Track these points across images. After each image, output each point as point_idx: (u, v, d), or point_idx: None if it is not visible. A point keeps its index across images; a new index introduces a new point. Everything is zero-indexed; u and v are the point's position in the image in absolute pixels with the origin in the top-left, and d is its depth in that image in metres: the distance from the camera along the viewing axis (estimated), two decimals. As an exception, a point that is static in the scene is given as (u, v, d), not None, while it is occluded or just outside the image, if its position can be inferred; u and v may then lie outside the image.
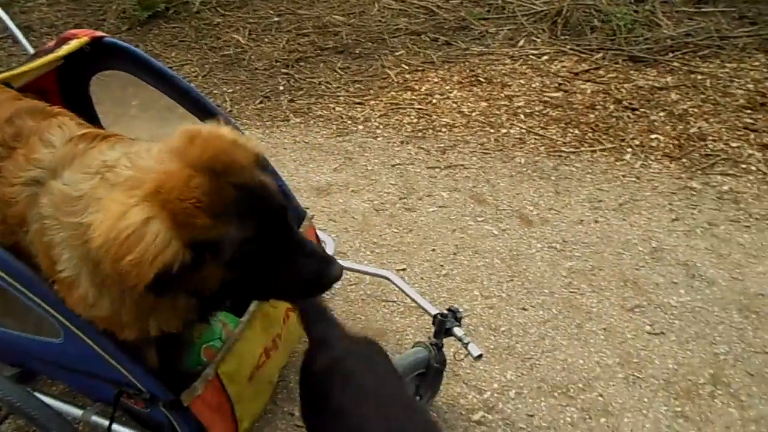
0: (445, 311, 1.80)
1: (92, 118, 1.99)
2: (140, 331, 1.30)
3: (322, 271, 1.24)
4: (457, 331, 1.78)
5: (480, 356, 1.71)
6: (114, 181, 1.10)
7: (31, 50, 2.02)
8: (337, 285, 2.37)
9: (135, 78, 1.89)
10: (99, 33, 1.83)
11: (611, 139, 3.55)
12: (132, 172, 1.09)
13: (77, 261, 1.16)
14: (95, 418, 1.59)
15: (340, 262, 2.10)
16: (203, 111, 1.82)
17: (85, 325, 1.34)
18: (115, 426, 1.53)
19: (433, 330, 1.82)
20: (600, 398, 1.99)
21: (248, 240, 1.09)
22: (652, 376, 2.05)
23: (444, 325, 1.78)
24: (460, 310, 1.82)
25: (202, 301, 1.22)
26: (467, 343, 1.74)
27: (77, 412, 1.60)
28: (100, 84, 2.04)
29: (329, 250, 2.13)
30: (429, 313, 1.87)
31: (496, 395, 2.02)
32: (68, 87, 1.94)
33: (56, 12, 6.26)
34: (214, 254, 1.08)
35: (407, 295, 1.98)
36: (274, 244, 1.14)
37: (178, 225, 1.02)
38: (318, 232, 2.07)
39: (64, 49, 1.71)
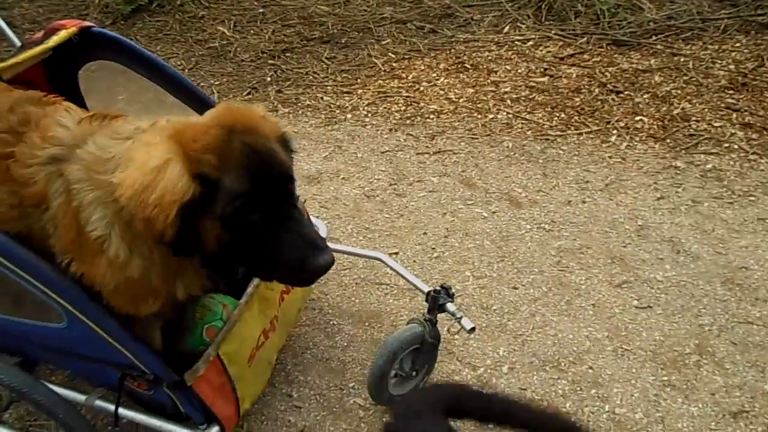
0: (438, 288, 1.84)
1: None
2: (166, 297, 1.34)
3: (308, 257, 1.22)
4: (449, 306, 1.82)
5: (473, 329, 1.75)
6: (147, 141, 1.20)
7: (18, 43, 2.02)
8: (331, 270, 2.41)
9: (123, 69, 1.90)
10: (87, 23, 1.84)
11: (597, 121, 3.60)
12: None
13: (109, 219, 1.22)
14: (99, 403, 1.62)
15: (333, 246, 2.16)
16: (195, 100, 1.84)
17: (88, 309, 1.36)
18: (120, 410, 1.57)
19: (426, 307, 1.86)
20: (590, 370, 2.04)
21: (242, 194, 1.14)
22: (639, 348, 2.11)
23: (437, 301, 1.82)
24: (452, 288, 1.86)
25: (207, 262, 1.27)
26: (460, 318, 1.78)
27: (80, 397, 1.63)
28: (87, 77, 2.04)
29: (322, 234, 2.15)
30: (422, 291, 1.91)
31: (489, 371, 2.07)
32: (57, 78, 1.94)
33: (38, 8, 6.19)
34: (213, 197, 1.14)
35: (400, 275, 2.02)
36: (268, 211, 1.18)
37: (189, 160, 1.13)
38: (311, 218, 2.10)
39: (53, 40, 1.72)
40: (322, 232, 2.17)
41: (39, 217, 1.33)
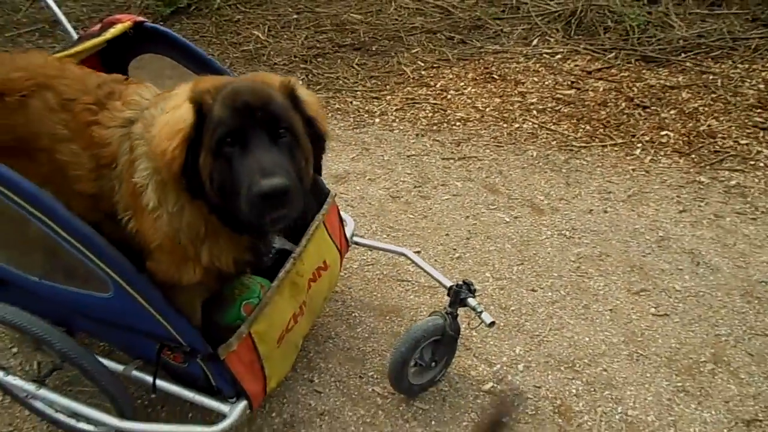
0: (460, 283, 1.91)
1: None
2: (194, 261, 1.44)
3: (255, 183, 1.20)
4: (470, 301, 1.89)
5: (492, 323, 1.81)
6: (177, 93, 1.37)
7: (75, 36, 2.15)
8: (354, 265, 2.49)
9: (172, 62, 2.02)
10: (141, 18, 1.96)
11: (622, 135, 3.63)
12: None
13: (150, 171, 1.36)
14: (135, 373, 1.72)
15: (359, 240, 2.24)
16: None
17: (134, 279, 1.46)
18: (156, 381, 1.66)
19: (448, 301, 1.92)
20: (604, 372, 2.09)
21: (223, 122, 1.25)
22: (655, 353, 2.15)
23: (459, 295, 1.89)
24: (474, 283, 1.93)
25: (212, 206, 1.36)
26: (480, 312, 1.84)
27: (119, 367, 1.72)
28: (135, 69, 2.16)
29: (349, 229, 2.24)
30: (444, 286, 1.98)
31: (505, 368, 2.12)
32: (110, 69, 2.06)
33: (82, 7, 6.43)
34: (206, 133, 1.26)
35: (423, 270, 2.09)
36: (243, 142, 1.26)
37: (194, 98, 1.28)
38: (340, 213, 2.18)
39: (111, 32, 1.85)
40: (349, 229, 2.25)
41: (110, 176, 1.45)
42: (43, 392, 1.74)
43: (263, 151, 1.25)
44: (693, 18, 4.85)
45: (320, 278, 2.01)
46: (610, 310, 2.33)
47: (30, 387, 1.75)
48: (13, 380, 1.76)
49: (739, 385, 2.02)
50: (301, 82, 1.45)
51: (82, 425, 1.96)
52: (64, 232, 1.43)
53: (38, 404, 2.00)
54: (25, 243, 1.57)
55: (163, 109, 1.38)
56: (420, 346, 1.88)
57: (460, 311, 1.92)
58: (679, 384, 2.03)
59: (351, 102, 4.26)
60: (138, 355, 1.76)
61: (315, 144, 1.43)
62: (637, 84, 4.11)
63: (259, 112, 1.26)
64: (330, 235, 2.05)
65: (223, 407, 1.65)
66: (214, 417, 1.67)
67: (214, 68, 1.92)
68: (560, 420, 1.93)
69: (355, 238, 2.26)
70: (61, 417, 1.98)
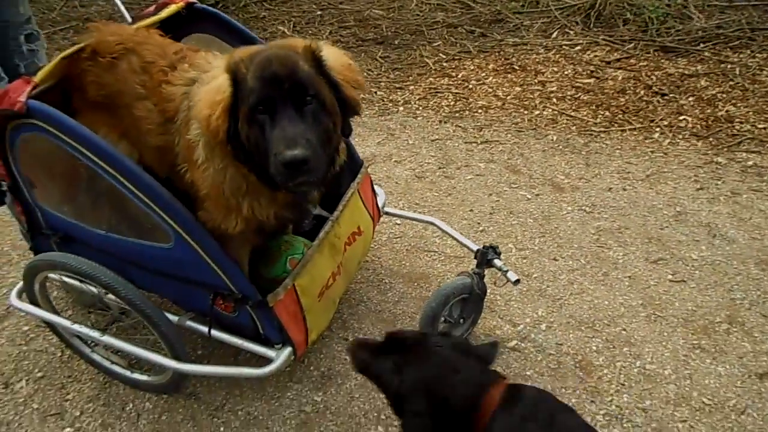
0: (487, 246, 2.04)
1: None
2: (237, 212, 1.59)
3: (280, 151, 1.31)
4: (496, 262, 2.02)
5: (518, 281, 1.94)
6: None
7: (129, 18, 2.32)
8: (383, 237, 2.63)
9: (218, 41, 2.18)
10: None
11: (641, 120, 3.73)
12: None
13: (200, 130, 1.49)
14: (189, 323, 1.88)
15: (390, 210, 2.37)
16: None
17: (194, 229, 1.62)
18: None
19: (475, 263, 2.05)
20: (623, 332, 2.20)
21: (254, 90, 1.36)
22: (672, 315, 2.25)
23: (486, 256, 2.02)
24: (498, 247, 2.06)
25: (254, 167, 1.48)
26: (506, 271, 1.97)
27: (174, 317, 1.88)
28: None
29: (381, 200, 2.37)
30: (471, 249, 2.11)
31: (528, 328, 2.24)
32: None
33: (113, 6, 6.66)
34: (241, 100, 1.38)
35: (451, 236, 2.22)
36: (272, 109, 1.37)
37: (230, 69, 1.40)
38: (373, 186, 2.32)
39: (165, 12, 2.01)
40: (380, 200, 2.39)
41: (172, 130, 1.61)
42: (107, 338, 1.90)
43: (288, 121, 1.35)
44: (711, 10, 4.92)
45: (355, 242, 2.15)
46: (629, 276, 2.44)
47: (95, 334, 1.91)
48: (80, 328, 1.93)
49: (752, 342, 2.12)
50: (329, 43, 1.52)
51: (135, 375, 2.13)
52: (132, 184, 1.59)
53: (96, 356, 2.17)
54: (95, 199, 1.74)
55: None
56: (449, 303, 2.01)
57: (486, 279, 2.05)
58: (695, 342, 2.14)
59: (375, 92, 4.40)
60: (191, 307, 1.91)
61: (342, 106, 1.50)
62: (656, 73, 4.20)
63: (286, 82, 1.36)
64: (364, 203, 2.20)
65: (270, 352, 1.80)
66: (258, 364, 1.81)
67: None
68: (581, 373, 2.05)
69: (386, 209, 2.40)
70: (117, 368, 2.15)
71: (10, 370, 2.25)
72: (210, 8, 2.13)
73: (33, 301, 2.03)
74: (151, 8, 2.15)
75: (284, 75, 1.36)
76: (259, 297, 1.70)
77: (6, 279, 2.69)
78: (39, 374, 2.23)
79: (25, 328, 2.43)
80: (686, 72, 4.17)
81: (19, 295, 2.02)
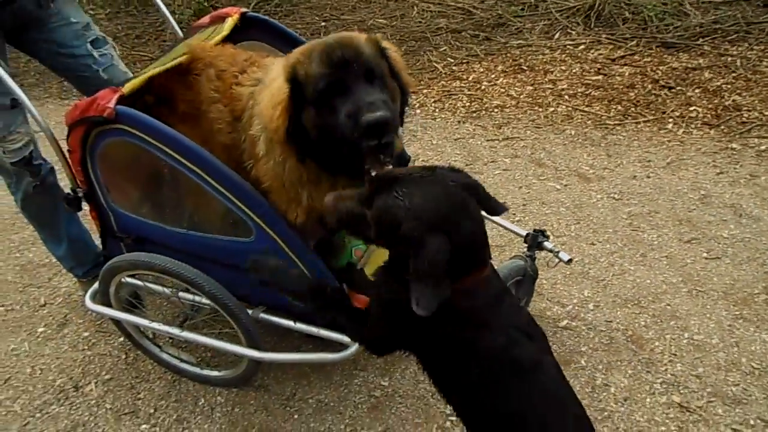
0: (536, 229, 2.15)
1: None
2: (296, 204, 1.67)
3: (361, 114, 1.33)
4: (547, 244, 2.12)
5: (570, 260, 2.05)
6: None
7: (180, 34, 2.41)
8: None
9: (269, 47, 2.28)
10: (243, 9, 2.23)
11: (653, 112, 3.88)
12: None
13: (261, 125, 1.58)
14: (263, 315, 1.96)
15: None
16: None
17: (275, 222, 1.71)
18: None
19: (526, 247, 2.16)
20: (668, 307, 2.31)
21: (322, 75, 1.41)
22: (712, 289, 2.37)
23: (536, 239, 2.13)
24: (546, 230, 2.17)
25: (318, 157, 1.55)
26: (558, 252, 2.08)
27: (248, 311, 1.96)
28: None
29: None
30: (520, 234, 2.21)
31: (577, 308, 2.35)
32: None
33: (117, 25, 6.76)
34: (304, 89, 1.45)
35: (498, 224, 2.32)
36: (343, 91, 1.41)
37: (287, 70, 1.47)
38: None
39: (228, 25, 2.10)
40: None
41: (239, 127, 1.70)
42: (186, 334, 1.98)
43: (364, 92, 1.38)
44: (707, 6, 5.10)
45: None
46: (666, 256, 2.56)
47: (174, 330, 1.99)
48: (159, 326, 2.00)
49: (791, 311, 2.25)
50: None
51: (206, 372, 2.20)
52: (216, 181, 1.68)
53: (165, 356, 2.25)
54: (176, 199, 1.83)
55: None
56: (507, 284, 2.11)
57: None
58: (737, 313, 2.25)
59: (390, 97, 4.51)
60: (263, 300, 1.99)
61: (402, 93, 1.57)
62: (661, 67, 4.36)
63: (354, 63, 1.40)
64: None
65: (346, 338, 1.88)
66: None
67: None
68: (633, 347, 2.16)
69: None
70: (187, 366, 2.22)
71: (78, 373, 2.31)
72: (261, 16, 2.23)
73: (106, 304, 2.10)
74: (206, 19, 2.25)
75: (352, 57, 1.41)
76: (337, 284, 1.79)
77: (59, 289, 2.75)
78: (107, 376, 2.29)
79: (86, 334, 2.50)
80: (689, 66, 4.33)
81: (93, 298, 2.09)
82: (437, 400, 2.04)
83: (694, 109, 3.81)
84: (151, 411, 2.14)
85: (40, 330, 2.55)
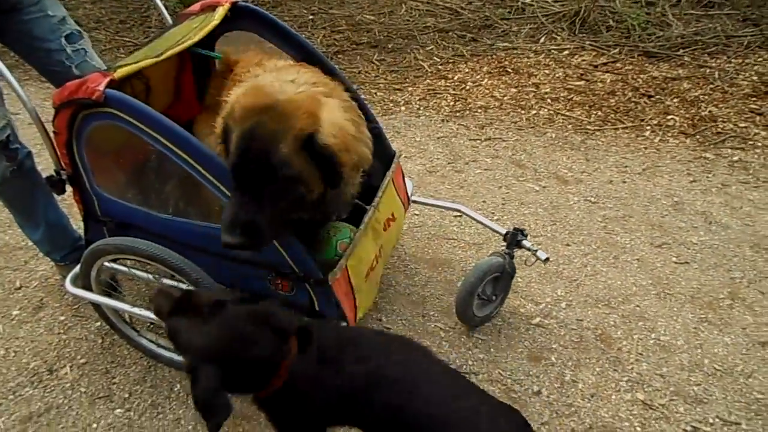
0: (515, 228, 2.20)
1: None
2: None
3: (221, 233, 1.49)
4: (525, 242, 2.19)
5: (547, 259, 2.11)
6: None
7: (170, 20, 2.41)
8: (405, 227, 2.77)
9: (258, 38, 2.29)
10: (233, -1, 2.23)
11: (631, 119, 3.97)
12: None
13: None
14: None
15: (417, 198, 2.51)
16: (325, 71, 2.21)
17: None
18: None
19: (505, 245, 2.21)
20: (637, 308, 2.39)
21: (231, 159, 1.49)
22: (679, 293, 2.46)
23: (515, 237, 2.19)
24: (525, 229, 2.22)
25: None
26: (536, 250, 2.14)
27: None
28: (221, 44, 2.43)
29: (410, 189, 2.51)
30: (499, 232, 2.27)
31: (549, 306, 2.42)
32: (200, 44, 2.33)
33: (100, 9, 6.66)
34: None
35: (478, 221, 2.38)
36: (237, 182, 1.50)
37: (221, 126, 1.58)
38: (404, 176, 2.46)
39: (219, 14, 2.11)
40: (409, 188, 2.53)
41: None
42: (164, 318, 1.99)
43: (237, 204, 1.48)
44: (689, 18, 5.22)
45: (389, 228, 2.28)
46: (637, 259, 2.64)
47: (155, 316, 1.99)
48: (140, 311, 2.01)
49: (753, 315, 2.33)
50: (329, 109, 1.54)
51: (181, 358, 2.21)
52: (203, 168, 1.69)
53: (143, 341, 2.25)
54: (162, 184, 1.84)
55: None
56: (485, 279, 2.17)
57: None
58: (702, 316, 2.34)
59: (375, 93, 4.56)
60: (248, 289, 2.01)
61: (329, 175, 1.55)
62: (641, 76, 4.46)
63: (253, 164, 1.43)
64: (397, 191, 2.34)
65: (324, 326, 1.91)
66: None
67: (302, 45, 2.18)
68: (602, 345, 2.23)
69: (413, 197, 2.54)
70: (163, 352, 2.24)
71: (53, 357, 2.31)
72: (251, 6, 2.24)
73: (86, 287, 2.10)
74: (196, 7, 2.25)
75: (254, 157, 1.43)
76: (320, 275, 1.82)
77: (36, 272, 2.74)
78: (82, 360, 2.29)
79: (62, 317, 2.49)
80: (669, 75, 4.44)
81: (74, 282, 2.09)
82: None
83: (672, 118, 3.91)
84: (126, 395, 2.15)
85: (15, 313, 2.53)
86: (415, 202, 2.54)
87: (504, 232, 2.24)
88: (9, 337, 2.41)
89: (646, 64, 4.63)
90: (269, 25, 2.23)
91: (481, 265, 2.15)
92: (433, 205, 2.59)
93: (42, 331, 2.43)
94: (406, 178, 2.52)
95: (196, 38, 2.00)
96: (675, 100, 4.13)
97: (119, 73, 1.70)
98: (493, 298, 2.26)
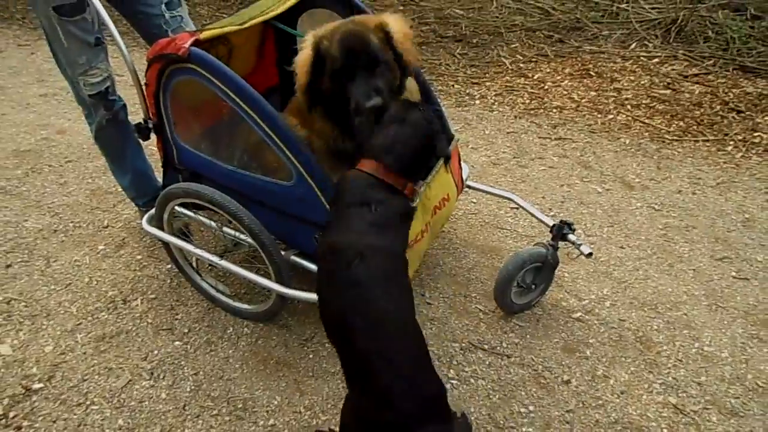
0: (562, 221, 2.22)
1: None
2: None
3: (359, 101, 1.75)
4: (570, 236, 2.20)
5: (590, 254, 2.11)
6: None
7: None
8: (459, 213, 2.84)
9: (335, 16, 2.43)
10: (315, -23, 2.39)
11: (715, 133, 3.81)
12: None
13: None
14: (294, 258, 2.13)
15: (473, 184, 2.58)
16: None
17: (314, 170, 1.87)
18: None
19: (551, 236, 2.24)
20: (684, 316, 2.34)
21: (336, 58, 1.77)
22: (733, 307, 2.38)
23: (561, 230, 2.20)
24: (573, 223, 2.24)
25: (329, 113, 1.92)
26: (580, 245, 2.15)
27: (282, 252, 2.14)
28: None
29: (465, 173, 2.58)
30: (546, 224, 2.30)
31: (593, 303, 2.41)
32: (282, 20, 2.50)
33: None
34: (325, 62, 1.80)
35: (527, 211, 2.41)
36: (349, 73, 1.77)
37: (314, 45, 1.82)
38: (460, 159, 2.53)
39: (294, -5, 2.27)
40: (465, 173, 2.60)
41: None
42: (224, 263, 2.19)
43: (364, 81, 1.77)
44: (797, 34, 4.91)
45: (442, 208, 2.36)
46: (693, 269, 2.57)
47: (215, 258, 2.20)
48: (202, 252, 2.22)
49: (811, 340, 2.23)
50: (396, 16, 1.88)
51: (237, 304, 2.41)
52: (267, 126, 1.85)
53: (204, 284, 2.47)
54: (231, 138, 2.03)
55: None
56: (525, 268, 2.21)
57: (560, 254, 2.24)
58: (754, 332, 2.26)
59: (453, 85, 4.62)
60: (296, 244, 2.17)
61: (401, 65, 1.86)
62: (734, 90, 4.26)
63: (361, 54, 1.76)
64: (452, 173, 2.41)
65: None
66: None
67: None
68: (641, 347, 2.21)
69: (468, 182, 2.60)
70: (222, 296, 2.44)
71: (128, 289, 2.58)
72: (329, -16, 2.38)
73: (159, 228, 2.33)
74: (283, -17, 2.42)
75: (359, 48, 1.77)
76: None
77: (121, 215, 3.04)
78: (152, 296, 2.54)
79: (139, 257, 2.76)
80: (765, 92, 4.21)
81: (149, 222, 2.33)
82: (440, 355, 2.18)
83: (759, 135, 3.72)
84: (186, 331, 2.37)
85: (101, 248, 2.83)
86: (469, 187, 2.60)
87: (551, 224, 2.26)
88: (93, 268, 2.70)
89: (741, 79, 4.41)
90: (346, 3, 2.37)
91: (522, 253, 2.19)
92: (486, 192, 2.63)
93: (121, 266, 2.71)
94: (463, 164, 2.59)
95: (279, 11, 2.16)
96: (766, 117, 3.92)
97: (205, 34, 1.89)
98: (533, 287, 2.29)
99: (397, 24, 1.86)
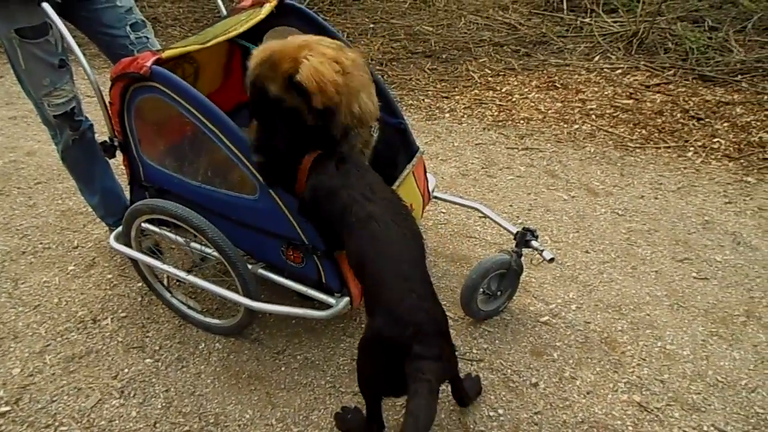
0: (525, 228, 2.28)
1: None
2: None
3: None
4: (533, 243, 2.26)
5: (552, 259, 2.17)
6: None
7: (225, 11, 2.65)
8: (429, 222, 2.89)
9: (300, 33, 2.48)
10: (285, -3, 2.44)
11: (675, 140, 3.93)
12: None
13: None
14: (261, 271, 2.16)
15: (439, 194, 2.63)
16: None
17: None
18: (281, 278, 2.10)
19: (515, 243, 2.29)
20: (647, 317, 2.40)
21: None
22: (693, 306, 2.45)
23: (524, 237, 2.26)
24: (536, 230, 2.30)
25: None
26: (542, 250, 2.21)
27: (249, 265, 2.16)
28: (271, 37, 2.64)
29: (431, 185, 2.64)
30: (510, 231, 2.35)
31: (559, 307, 2.47)
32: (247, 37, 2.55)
33: (178, 7, 7.19)
34: None
35: (492, 220, 2.47)
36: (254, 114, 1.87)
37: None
38: (426, 172, 2.58)
39: (266, 9, 2.32)
40: (431, 184, 2.65)
41: None
42: (192, 278, 2.20)
43: (259, 131, 1.86)
44: (752, 44, 5.10)
45: (412, 208, 2.40)
46: (656, 271, 2.65)
47: (182, 274, 2.21)
48: (169, 268, 2.23)
49: (767, 335, 2.30)
50: (312, 56, 1.68)
51: (208, 319, 2.42)
52: (229, 140, 1.89)
53: (174, 301, 2.47)
54: (195, 154, 2.05)
55: None
56: (489, 275, 2.25)
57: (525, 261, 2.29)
58: (714, 329, 2.33)
59: (423, 99, 4.70)
60: (263, 257, 2.19)
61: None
62: (693, 98, 4.40)
63: (261, 102, 1.77)
64: (417, 183, 2.46)
65: (331, 300, 2.05)
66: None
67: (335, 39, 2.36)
68: (606, 347, 2.26)
69: (435, 193, 2.66)
70: (192, 312, 2.44)
71: (98, 309, 2.56)
72: (297, 4, 2.44)
73: (127, 245, 2.34)
74: (247, 2, 2.48)
75: (257, 99, 1.78)
76: (324, 247, 1.97)
77: (91, 234, 3.03)
78: (122, 314, 2.53)
79: (109, 276, 2.76)
80: (723, 100, 4.35)
81: (117, 239, 2.34)
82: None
83: (718, 141, 3.84)
84: (156, 348, 2.36)
85: (71, 268, 2.82)
86: (436, 197, 2.65)
87: (515, 231, 2.31)
88: (63, 289, 2.69)
89: (700, 88, 4.56)
90: (315, 25, 2.42)
91: (485, 262, 2.24)
92: (452, 202, 2.68)
93: (91, 286, 2.69)
94: (429, 175, 2.64)
95: (241, 29, 2.21)
96: (725, 124, 4.06)
97: (167, 53, 1.93)
98: (499, 293, 2.34)
99: (309, 69, 1.68)
